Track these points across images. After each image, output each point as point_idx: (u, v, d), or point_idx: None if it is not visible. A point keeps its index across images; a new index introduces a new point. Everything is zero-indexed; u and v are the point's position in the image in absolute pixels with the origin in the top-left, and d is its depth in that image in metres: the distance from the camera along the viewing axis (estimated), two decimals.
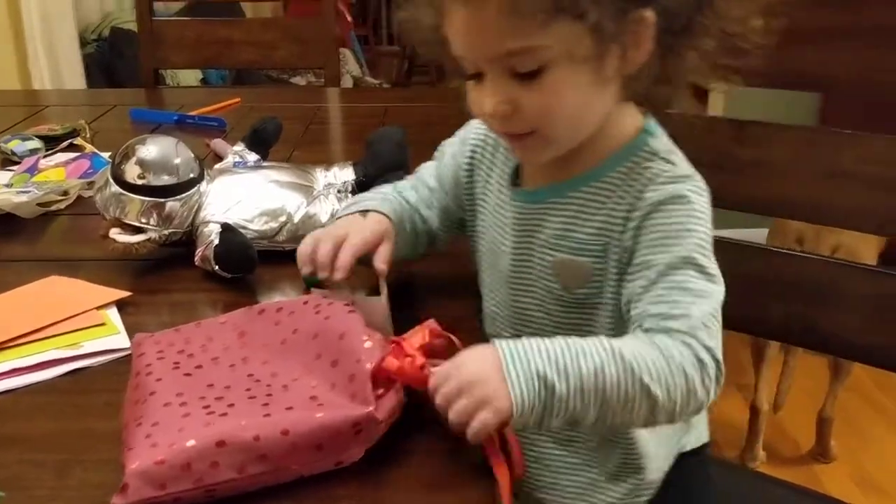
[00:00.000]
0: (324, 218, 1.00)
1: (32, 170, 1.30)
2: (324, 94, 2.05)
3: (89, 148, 1.44)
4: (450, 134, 0.93)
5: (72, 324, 0.86)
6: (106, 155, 1.37)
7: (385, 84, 4.53)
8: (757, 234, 1.71)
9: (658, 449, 0.85)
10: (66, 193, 1.21)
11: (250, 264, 0.94)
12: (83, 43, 3.00)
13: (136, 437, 0.62)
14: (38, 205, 1.16)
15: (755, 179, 1.08)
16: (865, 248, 1.84)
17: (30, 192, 1.19)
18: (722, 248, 0.73)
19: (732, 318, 0.69)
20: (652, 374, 0.65)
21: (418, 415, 0.68)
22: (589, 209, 0.77)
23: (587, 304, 0.78)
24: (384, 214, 0.87)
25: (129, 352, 0.82)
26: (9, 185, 1.25)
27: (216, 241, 0.95)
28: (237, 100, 1.79)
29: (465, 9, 0.68)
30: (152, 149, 0.99)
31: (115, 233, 0.97)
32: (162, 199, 0.97)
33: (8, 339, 0.83)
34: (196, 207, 0.99)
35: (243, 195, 1.01)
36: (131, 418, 0.65)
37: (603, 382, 0.64)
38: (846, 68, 1.02)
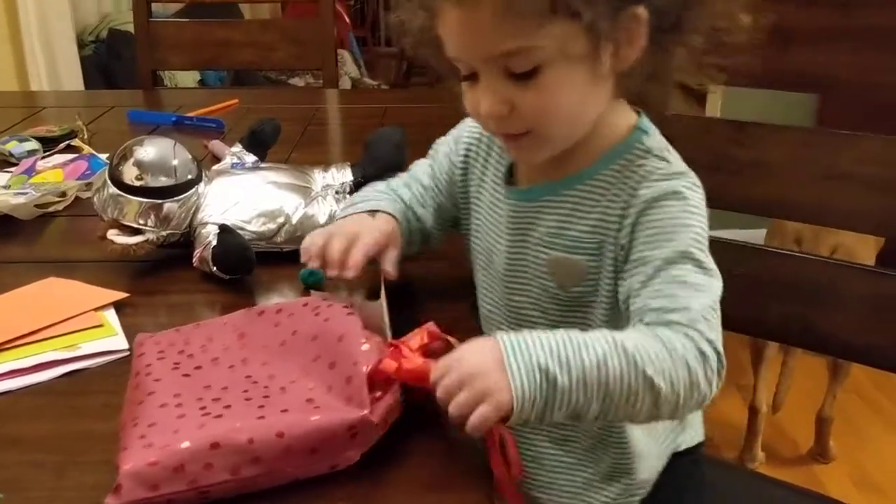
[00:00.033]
0: (322, 219, 1.00)
1: (30, 171, 1.30)
2: (322, 96, 2.05)
3: (87, 149, 1.44)
4: None
5: (69, 325, 0.86)
6: (104, 156, 1.37)
7: (383, 85, 4.53)
8: (755, 235, 1.72)
9: (651, 448, 0.85)
10: (63, 195, 1.21)
11: (248, 265, 0.94)
12: (81, 44, 3.00)
13: (131, 437, 0.62)
14: (36, 206, 1.16)
15: (753, 180, 1.08)
16: (863, 249, 1.84)
17: (27, 193, 1.19)
18: (720, 249, 0.73)
19: (731, 318, 0.69)
20: (655, 366, 0.64)
21: (416, 415, 0.68)
22: (583, 207, 0.77)
23: (582, 303, 0.78)
24: (392, 216, 0.87)
25: (126, 353, 0.82)
26: (6, 187, 1.25)
27: (214, 243, 0.95)
28: (235, 101, 1.79)
29: (459, 10, 0.68)
30: (150, 150, 0.99)
31: (112, 234, 0.96)
32: (160, 201, 0.97)
33: (6, 341, 0.83)
34: (194, 209, 0.99)
35: (241, 196, 1.01)
36: (128, 418, 0.65)
37: (606, 375, 0.63)
38: (843, 69, 1.02)
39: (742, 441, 2.00)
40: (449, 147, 0.91)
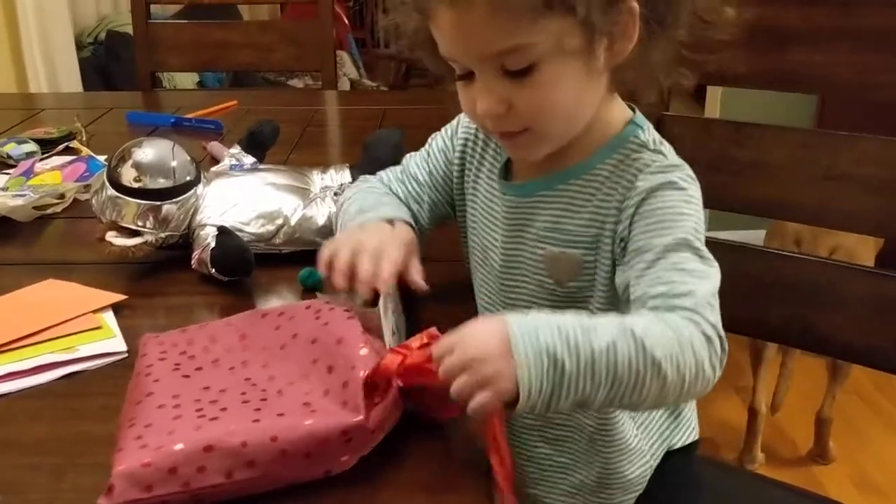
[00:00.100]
0: (321, 220, 1.00)
1: (28, 173, 1.30)
2: (321, 97, 2.05)
3: (85, 151, 1.44)
4: None
5: (68, 327, 0.86)
6: (102, 158, 1.37)
7: (382, 87, 4.53)
8: (755, 236, 1.72)
9: (643, 444, 0.85)
10: (62, 197, 1.21)
11: (247, 267, 0.94)
12: (79, 46, 3.00)
13: (126, 438, 0.62)
14: (34, 208, 1.16)
15: (753, 181, 1.08)
16: (863, 250, 1.84)
17: (26, 195, 1.19)
18: (720, 250, 0.73)
19: (731, 319, 0.69)
20: (663, 350, 0.63)
21: (415, 416, 0.68)
22: (579, 201, 0.77)
23: (578, 298, 0.78)
24: (409, 224, 0.85)
25: (125, 355, 0.82)
26: (4, 189, 1.25)
27: (213, 244, 0.95)
28: (234, 102, 1.79)
29: (453, 11, 0.68)
30: (148, 152, 0.99)
31: (111, 236, 0.96)
32: (158, 203, 0.97)
33: (4, 343, 0.83)
34: (192, 210, 0.99)
35: (240, 198, 1.01)
36: (126, 419, 0.65)
37: (614, 360, 0.62)
38: (843, 69, 1.02)
39: (741, 442, 2.00)
40: (444, 143, 0.91)
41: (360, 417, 0.62)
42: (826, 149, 1.04)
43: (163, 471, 0.59)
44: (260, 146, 1.19)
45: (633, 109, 0.80)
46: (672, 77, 0.75)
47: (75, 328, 0.86)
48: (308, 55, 2.05)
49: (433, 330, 0.70)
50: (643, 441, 0.85)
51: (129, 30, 2.21)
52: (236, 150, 1.18)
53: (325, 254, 0.77)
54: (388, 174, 0.93)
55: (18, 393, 0.77)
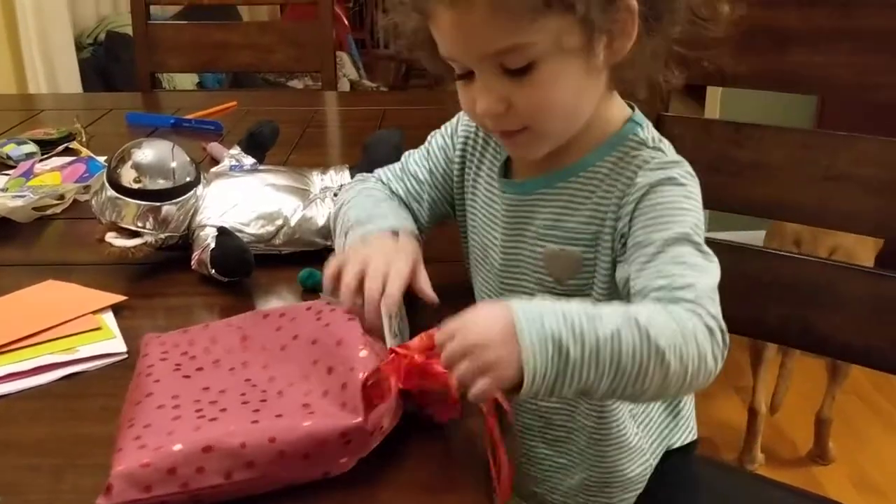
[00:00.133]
0: (320, 221, 1.00)
1: (28, 174, 1.30)
2: (321, 98, 2.05)
3: (85, 152, 1.44)
4: None
5: (67, 328, 0.86)
6: (102, 159, 1.37)
7: (382, 87, 4.53)
8: (754, 237, 1.71)
9: (644, 442, 0.85)
10: (61, 198, 1.21)
11: (247, 268, 0.94)
12: (79, 47, 3.00)
13: (126, 438, 0.62)
14: (34, 209, 1.16)
15: (752, 182, 1.08)
16: (862, 250, 1.84)
17: (25, 196, 1.19)
18: (719, 250, 0.73)
19: (730, 319, 0.69)
20: (667, 339, 0.62)
21: (415, 416, 0.68)
22: (579, 198, 0.77)
23: (578, 295, 0.78)
24: (412, 234, 0.84)
25: (125, 356, 0.82)
26: (4, 190, 1.25)
27: (212, 245, 0.95)
28: (234, 103, 1.79)
29: (453, 11, 0.68)
30: (148, 153, 0.99)
31: (111, 237, 0.96)
32: (158, 203, 0.97)
33: (4, 344, 0.83)
34: (192, 211, 0.99)
35: (240, 199, 1.01)
36: (125, 419, 0.65)
37: (619, 348, 0.61)
38: (843, 70, 1.02)
39: (741, 443, 2.00)
40: (444, 141, 0.91)
41: (359, 419, 0.62)
42: (825, 149, 1.04)
43: (162, 471, 0.59)
44: (260, 147, 1.19)
45: (631, 107, 0.81)
46: (665, 74, 0.76)
47: (75, 329, 0.86)
48: (308, 56, 2.05)
49: (433, 331, 0.70)
50: (643, 439, 0.85)
51: (129, 30, 2.21)
52: (236, 150, 1.18)
53: (331, 268, 0.77)
54: (387, 172, 0.93)
55: (18, 394, 0.77)
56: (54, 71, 2.70)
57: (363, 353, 0.66)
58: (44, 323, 0.86)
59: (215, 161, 1.33)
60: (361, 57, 4.84)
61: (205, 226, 0.98)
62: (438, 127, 0.93)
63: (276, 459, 0.61)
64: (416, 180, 0.91)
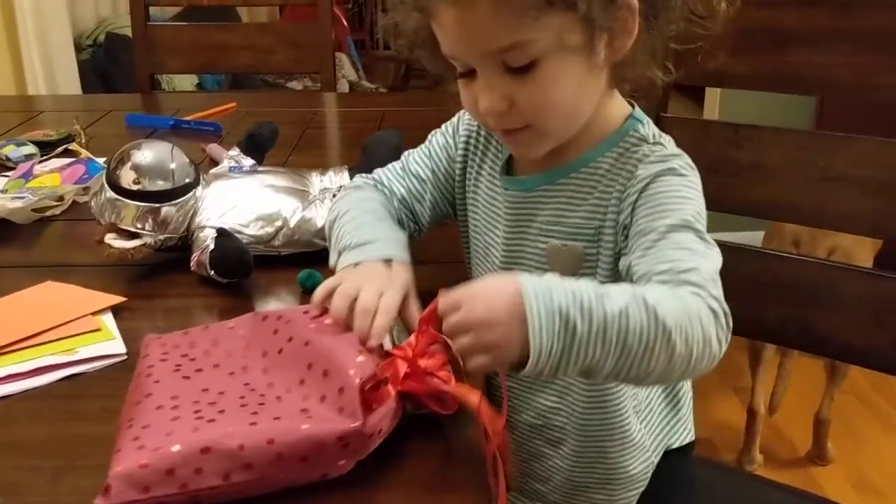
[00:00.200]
0: (320, 222, 1.00)
1: (27, 175, 1.30)
2: (320, 99, 2.05)
3: (84, 153, 1.44)
4: None
5: (67, 329, 0.86)
6: (101, 160, 1.37)
7: (381, 88, 4.53)
8: (753, 238, 1.72)
9: (646, 439, 0.86)
10: (61, 199, 1.21)
11: (246, 269, 0.94)
12: (78, 48, 3.00)
13: (124, 438, 0.62)
14: (33, 210, 1.16)
15: (751, 182, 1.08)
16: (861, 251, 1.84)
17: (25, 197, 1.19)
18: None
19: None
20: (675, 319, 0.62)
21: (415, 416, 0.68)
22: (581, 194, 0.78)
23: None
24: (404, 261, 0.80)
25: (125, 357, 0.82)
26: (3, 191, 1.25)
27: (212, 246, 0.95)
28: (233, 104, 1.79)
29: (455, 9, 0.69)
30: (147, 154, 0.99)
31: (110, 238, 0.96)
32: (157, 205, 0.97)
33: (4, 345, 0.83)
34: (192, 212, 0.99)
35: (239, 200, 1.01)
36: (125, 420, 0.65)
37: (626, 326, 0.61)
38: (842, 70, 1.02)
39: (740, 443, 2.00)
40: (446, 140, 0.91)
41: (357, 423, 0.62)
42: (823, 150, 1.04)
43: (160, 472, 0.59)
44: (259, 148, 1.19)
45: (632, 105, 0.81)
46: (663, 71, 0.76)
47: (75, 330, 0.86)
48: (307, 57, 2.05)
49: (430, 329, 0.70)
50: (646, 436, 0.86)
51: (128, 32, 2.21)
52: (235, 152, 1.18)
53: (320, 293, 0.74)
54: (388, 173, 0.93)
55: (18, 395, 0.77)
56: (54, 72, 2.70)
57: (360, 358, 0.66)
58: (44, 324, 0.86)
59: (214, 162, 1.33)
60: (361, 58, 4.85)
61: (204, 227, 0.98)
62: (437, 127, 0.93)
63: (274, 461, 0.61)
64: (418, 180, 0.91)
